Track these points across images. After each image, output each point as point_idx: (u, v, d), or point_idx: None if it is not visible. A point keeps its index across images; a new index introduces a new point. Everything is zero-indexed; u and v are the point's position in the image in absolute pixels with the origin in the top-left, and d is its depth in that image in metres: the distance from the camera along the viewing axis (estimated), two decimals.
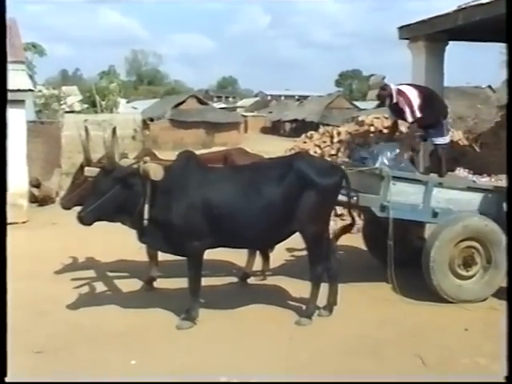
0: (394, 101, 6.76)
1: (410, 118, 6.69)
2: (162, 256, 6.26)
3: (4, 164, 3.27)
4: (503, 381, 3.46)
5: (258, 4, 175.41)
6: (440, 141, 7.05)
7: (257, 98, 74.37)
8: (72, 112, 35.47)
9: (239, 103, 71.40)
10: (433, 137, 7.20)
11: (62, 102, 33.23)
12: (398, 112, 6.88)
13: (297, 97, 68.31)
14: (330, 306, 5.57)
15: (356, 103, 52.97)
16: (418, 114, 6.60)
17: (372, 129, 11.54)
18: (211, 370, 4.37)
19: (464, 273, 5.93)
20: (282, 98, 75.03)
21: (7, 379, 3.32)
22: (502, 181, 7.05)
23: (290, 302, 5.90)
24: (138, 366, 4.48)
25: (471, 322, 5.36)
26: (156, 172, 5.11)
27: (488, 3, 8.33)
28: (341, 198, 5.71)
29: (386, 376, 4.26)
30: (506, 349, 3.26)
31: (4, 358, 3.15)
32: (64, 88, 39.11)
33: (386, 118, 12.34)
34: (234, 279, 6.73)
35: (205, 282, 5.60)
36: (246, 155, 6.79)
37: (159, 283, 6.42)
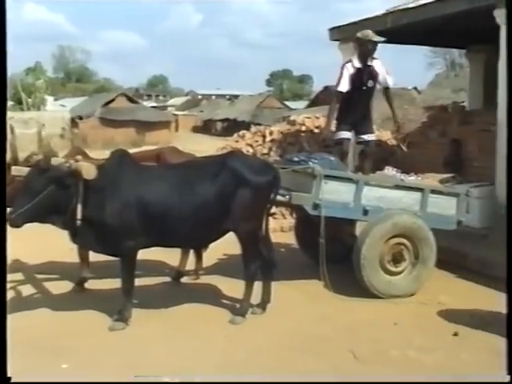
0: (369, 63, 7.25)
1: (390, 81, 7.06)
2: (93, 256, 6.14)
3: (3, 165, 3.20)
4: (507, 381, 3.50)
5: (190, 2, 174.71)
6: (366, 138, 7.35)
7: (188, 97, 74.02)
8: None
9: (170, 102, 70.89)
10: (361, 134, 7.47)
11: None
12: (370, 75, 7.27)
13: (228, 96, 68.41)
14: (264, 303, 5.61)
15: (287, 103, 53.55)
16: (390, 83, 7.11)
17: (303, 128, 11.69)
18: (147, 370, 4.31)
19: (393, 269, 6.08)
20: (213, 97, 74.98)
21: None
22: (428, 179, 7.31)
23: (224, 301, 5.91)
24: (70, 369, 4.39)
25: (400, 316, 5.50)
26: (89, 171, 5.02)
27: (414, 8, 8.59)
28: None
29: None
30: (506, 349, 3.31)
31: (4, 358, 3.08)
32: None
33: (317, 117, 12.56)
34: (168, 279, 6.68)
35: (138, 282, 5.53)
36: (178, 154, 6.76)
37: (91, 284, 6.30)
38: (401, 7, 9.11)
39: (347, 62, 7.38)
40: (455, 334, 5.05)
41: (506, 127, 3.39)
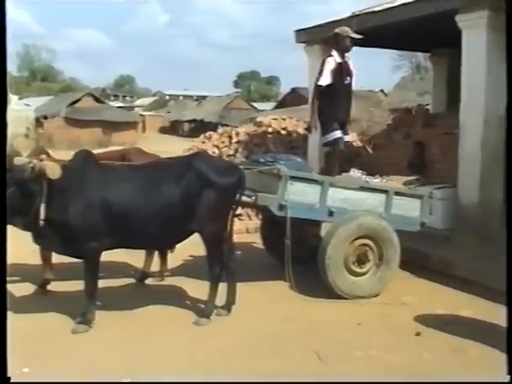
0: (346, 60, 7.24)
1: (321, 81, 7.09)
2: (56, 258, 6.06)
3: (3, 163, 3.16)
4: (507, 381, 3.50)
5: (157, 2, 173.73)
6: (347, 138, 7.32)
7: (155, 98, 73.65)
8: None
9: (137, 102, 70.46)
10: (344, 134, 7.41)
11: None
12: (347, 71, 7.24)
13: (195, 97, 68.23)
14: (229, 305, 5.60)
15: (254, 104, 53.68)
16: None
17: (270, 130, 11.74)
18: (111, 372, 4.27)
19: (358, 270, 6.13)
20: (181, 97, 74.70)
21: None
22: (392, 181, 7.40)
23: (189, 303, 5.89)
24: (32, 373, 4.31)
25: (364, 317, 5.55)
26: (53, 171, 4.95)
27: (380, 11, 8.68)
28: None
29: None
30: (506, 349, 3.33)
31: (4, 357, 3.01)
32: None
33: (284, 119, 12.63)
34: (132, 280, 6.63)
35: (101, 283, 5.47)
36: (143, 155, 6.72)
37: (53, 286, 6.21)
38: (367, 10, 9.20)
39: (328, 56, 7.22)
40: (418, 334, 5.11)
41: (506, 128, 3.41)
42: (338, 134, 7.22)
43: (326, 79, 7.14)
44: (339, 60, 7.15)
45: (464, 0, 7.30)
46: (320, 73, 7.19)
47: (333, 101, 7.18)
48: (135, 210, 5.11)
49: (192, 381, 4.17)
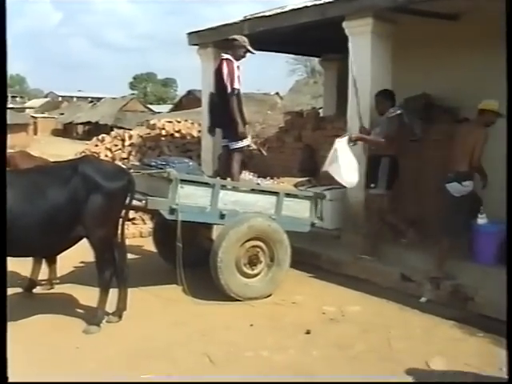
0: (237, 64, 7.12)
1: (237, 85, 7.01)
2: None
3: (3, 165, 2.94)
4: (505, 381, 3.52)
5: (48, 0, 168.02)
6: (238, 144, 7.26)
7: (47, 99, 71.24)
8: None
9: (28, 104, 67.88)
10: (228, 138, 7.37)
11: None
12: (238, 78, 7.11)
13: (90, 99, 66.54)
14: (120, 311, 5.50)
15: (151, 106, 53.10)
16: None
17: (163, 132, 11.65)
18: None
19: (250, 271, 6.21)
20: (74, 99, 72.61)
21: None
22: (283, 183, 7.54)
23: (79, 310, 5.73)
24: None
25: (256, 318, 5.62)
26: None
27: (270, 16, 8.81)
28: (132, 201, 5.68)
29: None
30: (506, 349, 3.37)
31: (4, 357, 2.82)
32: None
33: (179, 121, 12.57)
34: (19, 290, 6.36)
35: None
36: (29, 159, 6.49)
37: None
38: (258, 15, 9.31)
39: (229, 60, 7.12)
40: (307, 332, 5.23)
41: (506, 129, 3.52)
42: (249, 139, 7.34)
43: (239, 83, 7.07)
44: (237, 64, 7.17)
45: (349, 7, 7.54)
46: (231, 76, 7.04)
47: (240, 105, 7.19)
48: (18, 217, 4.89)
49: (192, 381, 4.19)
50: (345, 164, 6.71)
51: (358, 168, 6.80)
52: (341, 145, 6.84)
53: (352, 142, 7.00)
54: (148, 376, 4.32)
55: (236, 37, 7.36)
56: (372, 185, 7.04)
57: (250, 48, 7.25)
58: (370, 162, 7.24)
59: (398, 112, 7.06)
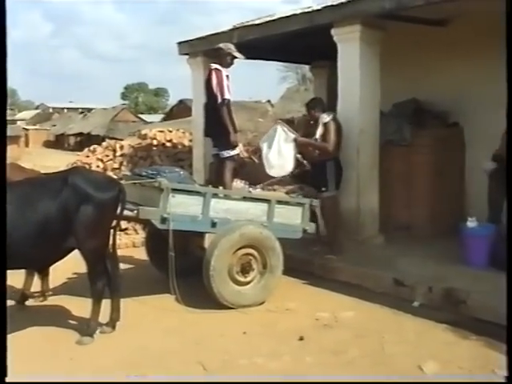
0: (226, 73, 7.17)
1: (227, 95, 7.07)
2: None
3: (4, 163, 2.98)
4: (504, 381, 3.54)
5: (38, 10, 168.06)
6: (228, 153, 7.30)
7: (38, 111, 71.14)
8: None
9: (19, 115, 67.72)
10: (218, 147, 7.40)
11: None
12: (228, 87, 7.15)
13: (80, 109, 66.46)
14: (113, 321, 5.49)
15: (142, 116, 53.10)
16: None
17: (155, 142, 11.66)
18: None
19: (242, 279, 6.20)
20: (65, 110, 72.51)
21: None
22: (275, 190, 7.55)
23: (72, 322, 5.71)
24: None
25: (249, 326, 5.61)
26: None
27: (259, 24, 8.86)
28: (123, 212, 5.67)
29: None
30: (506, 349, 3.37)
31: (4, 357, 2.93)
32: None
33: (170, 131, 12.59)
34: (12, 302, 6.33)
35: None
36: (20, 171, 6.45)
37: None
38: (247, 23, 9.36)
39: (217, 70, 7.16)
40: (301, 339, 5.23)
41: (506, 129, 3.54)
42: (240, 147, 7.32)
43: (229, 92, 7.11)
44: (226, 73, 7.19)
45: (337, 15, 7.59)
46: (221, 86, 7.07)
47: (230, 114, 7.22)
48: (9, 230, 4.87)
49: (192, 381, 4.20)
50: (275, 151, 7.51)
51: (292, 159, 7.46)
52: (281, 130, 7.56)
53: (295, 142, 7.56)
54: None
55: (221, 45, 7.39)
56: (323, 188, 7.38)
57: (236, 54, 7.29)
58: (315, 167, 7.52)
59: (331, 116, 7.44)
